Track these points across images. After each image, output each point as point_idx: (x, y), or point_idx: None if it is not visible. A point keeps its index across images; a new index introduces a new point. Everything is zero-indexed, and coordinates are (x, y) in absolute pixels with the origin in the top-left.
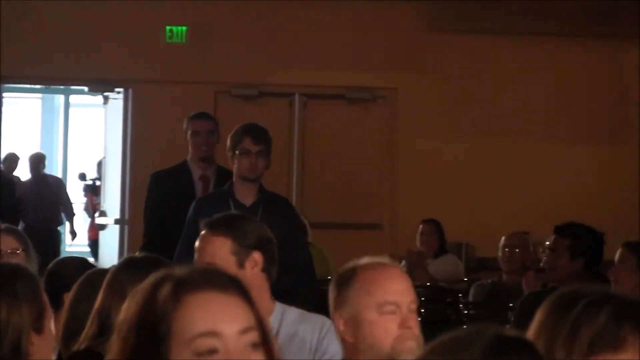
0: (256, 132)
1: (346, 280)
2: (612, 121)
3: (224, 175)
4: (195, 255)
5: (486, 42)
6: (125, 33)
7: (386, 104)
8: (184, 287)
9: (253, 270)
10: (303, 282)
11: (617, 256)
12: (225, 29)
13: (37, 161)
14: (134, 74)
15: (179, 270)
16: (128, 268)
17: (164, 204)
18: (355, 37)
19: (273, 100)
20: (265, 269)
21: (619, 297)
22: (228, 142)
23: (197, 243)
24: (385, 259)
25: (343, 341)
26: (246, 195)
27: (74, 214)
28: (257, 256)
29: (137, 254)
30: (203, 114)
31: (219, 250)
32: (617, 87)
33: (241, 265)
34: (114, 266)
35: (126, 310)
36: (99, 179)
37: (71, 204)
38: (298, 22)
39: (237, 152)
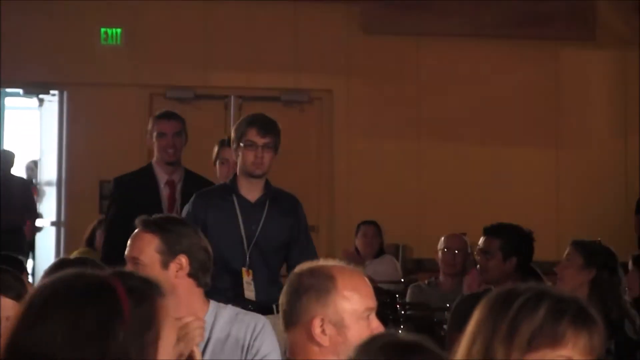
0: (263, 123)
1: (325, 285)
2: (547, 124)
3: (192, 179)
4: (126, 251)
5: (420, 44)
6: (60, 35)
7: (322, 106)
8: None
9: (178, 274)
10: None
11: (565, 253)
12: (160, 31)
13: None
14: (69, 76)
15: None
16: (58, 270)
17: (127, 210)
18: (290, 40)
19: (208, 103)
20: (193, 275)
21: (557, 294)
22: (232, 133)
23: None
24: (342, 263)
25: (314, 344)
26: (251, 191)
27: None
28: (183, 260)
29: (72, 256)
30: (169, 113)
31: (146, 247)
32: (552, 90)
33: (165, 266)
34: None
35: None
36: (32, 181)
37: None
38: (233, 23)
39: (241, 144)
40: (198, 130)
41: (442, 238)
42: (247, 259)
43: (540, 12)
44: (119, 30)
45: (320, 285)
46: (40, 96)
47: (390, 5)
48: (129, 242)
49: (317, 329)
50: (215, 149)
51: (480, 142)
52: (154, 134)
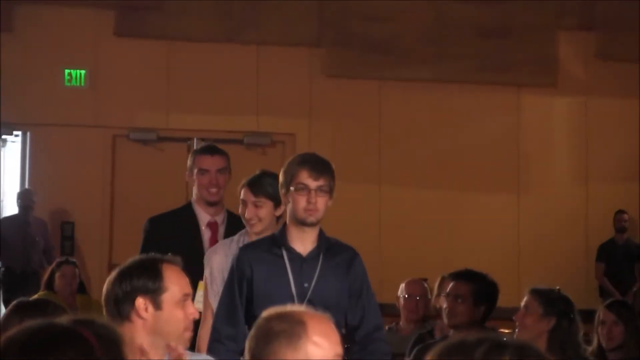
0: (315, 163)
1: (296, 330)
2: (509, 169)
3: (234, 221)
4: None
5: (382, 88)
6: (24, 76)
7: (284, 149)
8: None
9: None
10: (377, 348)
11: (523, 302)
12: (124, 73)
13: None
14: (32, 117)
15: None
16: (17, 313)
17: (164, 251)
18: (252, 82)
19: (171, 145)
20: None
21: (517, 343)
22: (281, 177)
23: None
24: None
25: None
26: (303, 242)
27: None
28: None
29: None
30: (212, 147)
31: None
32: (514, 135)
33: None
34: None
35: None
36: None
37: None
38: (196, 66)
39: (291, 188)
40: (160, 173)
41: (403, 284)
42: None
43: (502, 59)
44: (83, 71)
45: (290, 330)
46: (3, 137)
47: (352, 49)
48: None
49: None
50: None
51: (441, 187)
52: (195, 171)
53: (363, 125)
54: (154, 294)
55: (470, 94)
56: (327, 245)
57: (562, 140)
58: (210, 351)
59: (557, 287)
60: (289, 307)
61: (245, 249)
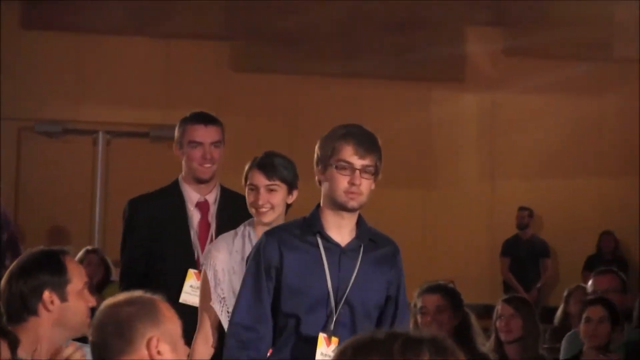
0: (362, 138)
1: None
2: (417, 164)
3: (228, 198)
4: None
5: (292, 83)
6: None
7: None
8: None
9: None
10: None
11: (432, 300)
12: (29, 64)
13: None
14: None
15: None
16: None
17: (146, 241)
18: (160, 76)
19: (77, 138)
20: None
21: (430, 335)
22: (317, 149)
23: None
24: None
25: None
26: (341, 230)
27: None
28: (46, 294)
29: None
30: (205, 116)
31: None
32: (424, 130)
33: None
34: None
35: None
36: None
37: None
38: (103, 58)
39: (330, 165)
40: (65, 165)
41: None
42: (333, 322)
43: (412, 54)
44: None
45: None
46: None
47: (262, 43)
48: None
49: (153, 350)
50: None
51: None
52: (184, 143)
53: (273, 119)
54: (60, 287)
55: (381, 89)
56: (368, 236)
57: (470, 136)
58: (228, 350)
59: (451, 281)
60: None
61: (273, 233)
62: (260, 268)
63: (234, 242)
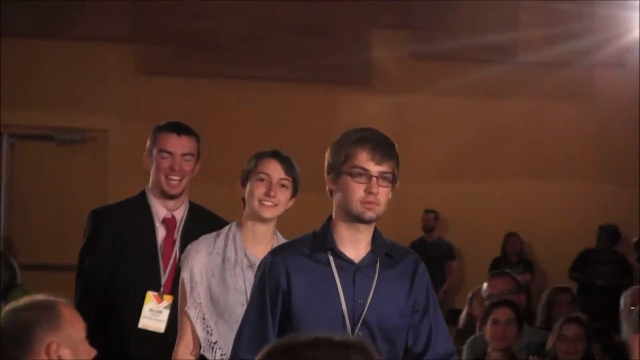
0: (379, 143)
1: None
2: (321, 168)
3: (197, 215)
4: None
5: (197, 87)
6: None
7: (96, 145)
8: None
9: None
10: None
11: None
12: None
13: None
14: None
15: None
16: None
17: (107, 257)
18: (64, 78)
19: None
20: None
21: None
22: (328, 155)
23: None
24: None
25: None
26: (355, 244)
27: None
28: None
29: None
30: (180, 125)
31: None
32: (328, 134)
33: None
34: None
35: None
36: None
37: None
38: (7, 61)
39: (346, 172)
40: None
41: None
42: None
43: (317, 57)
44: None
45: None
46: None
47: (166, 46)
48: None
49: (53, 355)
50: (252, 161)
51: None
52: (154, 152)
53: None
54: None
55: (286, 93)
56: (385, 249)
57: None
58: None
59: None
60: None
61: (278, 253)
62: (265, 295)
63: (215, 243)
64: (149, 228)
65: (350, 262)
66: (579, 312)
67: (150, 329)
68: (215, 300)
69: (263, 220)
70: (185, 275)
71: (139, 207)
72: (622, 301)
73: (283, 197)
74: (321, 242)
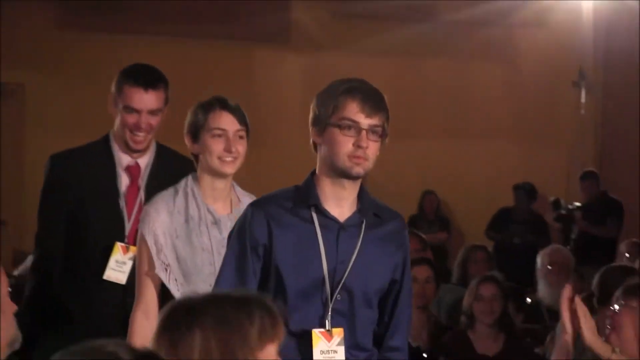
0: (369, 94)
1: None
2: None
3: (165, 158)
4: None
5: (114, 43)
6: None
7: (13, 100)
8: None
9: None
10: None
11: None
12: None
13: None
14: None
15: None
16: None
17: (69, 200)
18: None
19: None
20: None
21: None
22: (314, 106)
23: None
24: None
25: None
26: (339, 202)
27: None
28: None
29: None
30: (147, 78)
31: None
32: (246, 90)
33: None
34: None
35: None
36: None
37: None
38: None
39: (333, 124)
40: None
41: None
42: (329, 312)
43: (235, 14)
44: None
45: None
46: None
47: (84, 1)
48: None
49: None
50: (200, 115)
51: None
52: (119, 104)
53: (94, 79)
54: None
55: (204, 51)
56: (372, 210)
57: (295, 98)
58: None
59: None
60: None
61: (260, 205)
62: (245, 247)
63: (174, 201)
64: (111, 175)
65: (334, 220)
66: (495, 271)
67: (112, 279)
68: (182, 261)
69: (224, 175)
70: (148, 238)
71: (101, 153)
72: (538, 260)
73: (242, 148)
74: (304, 197)
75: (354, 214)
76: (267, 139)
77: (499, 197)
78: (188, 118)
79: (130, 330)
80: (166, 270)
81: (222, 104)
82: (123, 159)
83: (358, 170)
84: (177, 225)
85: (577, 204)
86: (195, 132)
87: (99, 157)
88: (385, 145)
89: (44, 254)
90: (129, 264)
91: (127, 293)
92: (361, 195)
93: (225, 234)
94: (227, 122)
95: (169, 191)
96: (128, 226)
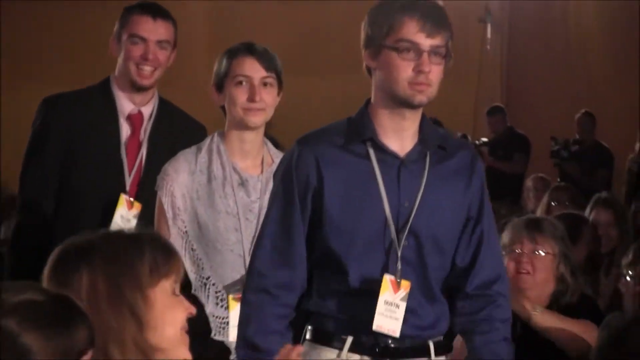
0: (431, 12)
1: None
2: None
3: (168, 113)
4: None
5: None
6: None
7: None
8: None
9: None
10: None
11: None
12: None
13: None
14: None
15: None
16: None
17: (63, 148)
18: None
19: None
20: None
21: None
22: (366, 26)
23: None
24: None
25: None
26: (399, 134)
27: None
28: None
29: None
30: (155, 7)
31: None
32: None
33: None
34: None
35: None
36: None
37: None
38: None
39: (389, 47)
40: None
41: None
42: (397, 259)
43: None
44: None
45: None
46: None
47: None
48: None
49: None
50: (224, 62)
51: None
52: (124, 36)
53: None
54: None
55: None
56: (436, 141)
57: (201, 41)
58: (248, 305)
59: None
60: None
61: (307, 142)
62: (291, 193)
63: (197, 160)
64: (112, 123)
65: (394, 155)
66: None
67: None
68: (204, 227)
69: (251, 128)
70: (164, 200)
71: (101, 97)
72: None
73: (269, 98)
74: (359, 130)
75: (415, 146)
76: (174, 84)
77: None
78: (215, 67)
79: None
80: (183, 238)
81: (247, 49)
82: (125, 105)
83: (421, 98)
84: (197, 186)
85: (484, 139)
86: (220, 82)
87: (98, 101)
88: (449, 68)
89: (27, 223)
90: (133, 222)
91: None
92: (422, 125)
93: (254, 197)
94: (251, 68)
95: (192, 149)
96: (128, 180)
